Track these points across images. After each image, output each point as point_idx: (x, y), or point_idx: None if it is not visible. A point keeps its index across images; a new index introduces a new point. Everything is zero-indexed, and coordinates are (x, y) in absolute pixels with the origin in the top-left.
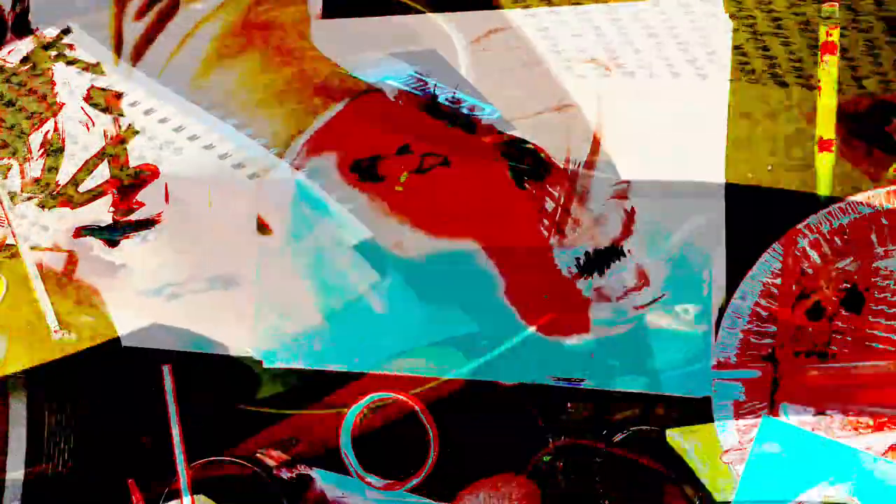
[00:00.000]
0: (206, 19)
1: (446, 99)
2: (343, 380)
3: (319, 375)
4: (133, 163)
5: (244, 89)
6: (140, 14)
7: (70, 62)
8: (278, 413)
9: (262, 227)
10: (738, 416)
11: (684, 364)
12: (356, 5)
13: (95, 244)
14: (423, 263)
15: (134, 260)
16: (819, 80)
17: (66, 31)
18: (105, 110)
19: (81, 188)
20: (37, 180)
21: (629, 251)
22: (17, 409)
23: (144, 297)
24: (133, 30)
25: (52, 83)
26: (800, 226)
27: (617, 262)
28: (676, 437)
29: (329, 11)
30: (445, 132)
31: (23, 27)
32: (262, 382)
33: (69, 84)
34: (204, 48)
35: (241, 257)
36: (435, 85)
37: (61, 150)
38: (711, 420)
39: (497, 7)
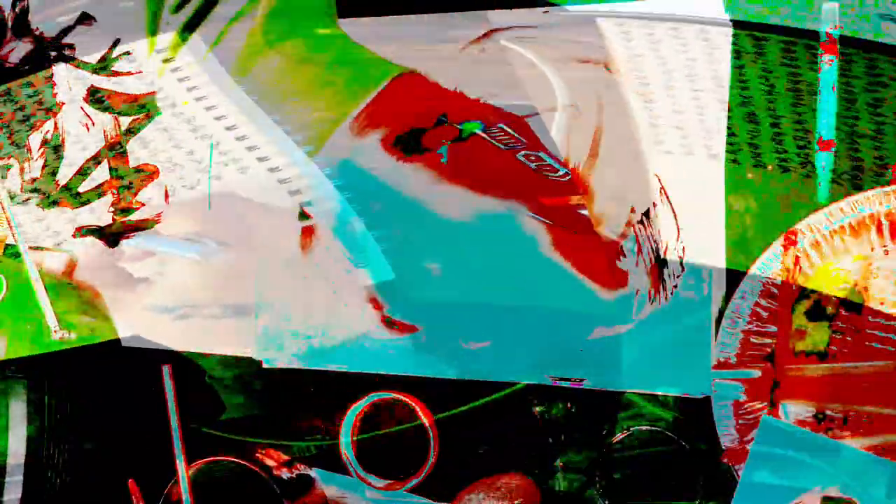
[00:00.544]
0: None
1: (523, 155)
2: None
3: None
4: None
5: (285, 79)
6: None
7: (71, 61)
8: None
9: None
10: (738, 416)
11: (685, 364)
12: (371, 4)
13: (126, 251)
14: (473, 224)
15: (164, 273)
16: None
17: (67, 31)
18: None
19: (81, 188)
20: (37, 180)
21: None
22: (17, 409)
23: (152, 312)
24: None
25: (53, 83)
26: (800, 226)
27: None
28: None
29: (342, 10)
30: (480, 106)
31: (23, 27)
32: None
33: (69, 84)
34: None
35: (269, 288)
36: (518, 141)
37: (61, 149)
38: (711, 420)
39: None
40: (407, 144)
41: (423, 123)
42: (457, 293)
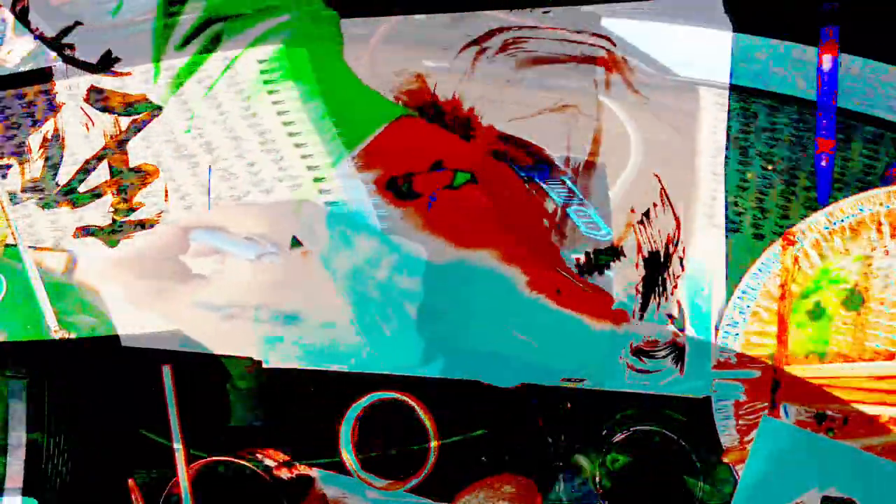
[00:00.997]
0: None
1: (574, 210)
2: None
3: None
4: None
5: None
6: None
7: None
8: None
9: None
10: (738, 416)
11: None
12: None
13: (192, 246)
14: (450, 268)
15: (226, 272)
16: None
17: (67, 31)
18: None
19: (82, 188)
20: (36, 180)
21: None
22: (17, 409)
23: (198, 308)
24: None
25: (52, 83)
26: (800, 226)
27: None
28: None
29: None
30: (474, 150)
31: (23, 27)
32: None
33: (69, 84)
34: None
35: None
36: (575, 196)
37: (61, 149)
38: (712, 420)
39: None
40: (398, 189)
41: (417, 168)
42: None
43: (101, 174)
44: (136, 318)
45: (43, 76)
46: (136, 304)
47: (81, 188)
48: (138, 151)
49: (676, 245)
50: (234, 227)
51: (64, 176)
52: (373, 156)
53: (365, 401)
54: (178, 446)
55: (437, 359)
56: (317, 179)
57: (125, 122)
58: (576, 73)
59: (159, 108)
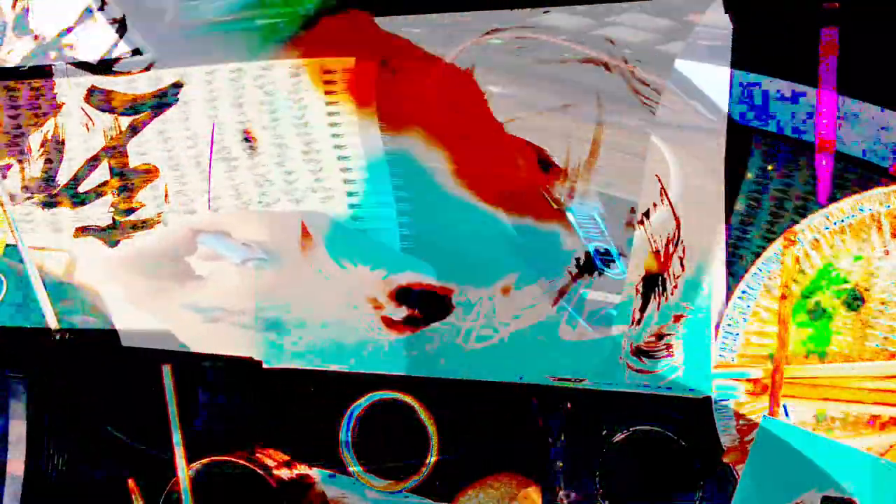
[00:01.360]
0: None
1: (595, 249)
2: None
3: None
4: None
5: None
6: None
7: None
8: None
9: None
10: (738, 416)
11: (685, 364)
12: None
13: (200, 248)
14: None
15: (226, 273)
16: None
17: (67, 31)
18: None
19: (81, 188)
20: (37, 180)
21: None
22: (17, 408)
23: (198, 308)
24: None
25: (52, 83)
26: (800, 226)
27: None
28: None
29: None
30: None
31: (22, 27)
32: None
33: (69, 84)
34: None
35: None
36: (600, 232)
37: (61, 149)
38: (712, 420)
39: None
40: None
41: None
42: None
43: (101, 174)
44: (135, 318)
45: (43, 75)
46: (135, 304)
47: (81, 188)
48: (141, 151)
49: (676, 245)
50: (238, 232)
51: (64, 176)
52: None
53: (365, 401)
54: (178, 446)
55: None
56: (350, 193)
57: (125, 121)
58: (635, 111)
59: (166, 106)
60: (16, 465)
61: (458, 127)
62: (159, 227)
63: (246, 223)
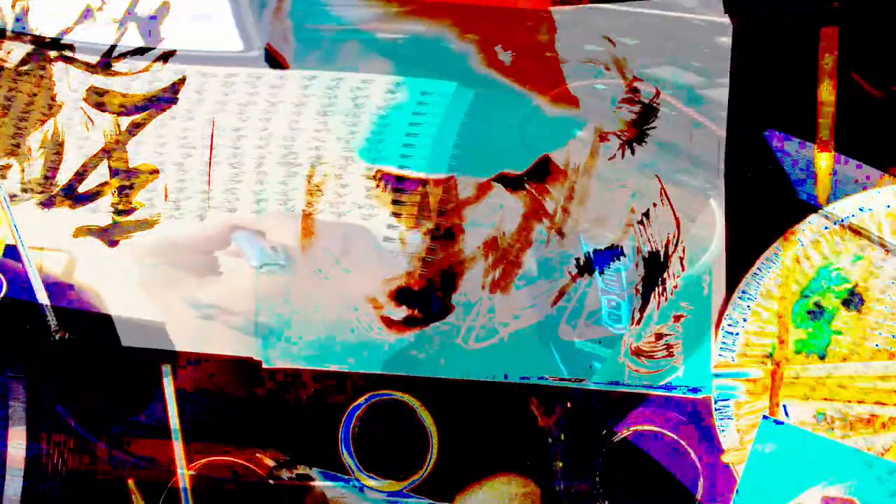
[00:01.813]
0: None
1: (608, 300)
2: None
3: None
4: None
5: None
6: None
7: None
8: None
9: None
10: (738, 416)
11: (685, 364)
12: None
13: (232, 245)
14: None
15: (226, 274)
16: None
17: (67, 31)
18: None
19: (81, 188)
20: (37, 180)
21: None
22: (17, 409)
23: (198, 308)
24: None
25: (52, 83)
26: (800, 226)
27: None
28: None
29: None
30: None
31: (22, 27)
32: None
33: (69, 84)
34: None
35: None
36: (620, 288)
37: (61, 149)
38: (711, 420)
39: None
40: None
41: None
42: None
43: (100, 174)
44: (135, 318)
45: (43, 75)
46: (135, 304)
47: (81, 188)
48: (143, 150)
49: (676, 245)
50: (273, 234)
51: (64, 176)
52: None
53: (365, 401)
54: (178, 446)
55: None
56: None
57: (125, 121)
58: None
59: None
60: (16, 464)
61: None
62: (195, 221)
63: (283, 226)
